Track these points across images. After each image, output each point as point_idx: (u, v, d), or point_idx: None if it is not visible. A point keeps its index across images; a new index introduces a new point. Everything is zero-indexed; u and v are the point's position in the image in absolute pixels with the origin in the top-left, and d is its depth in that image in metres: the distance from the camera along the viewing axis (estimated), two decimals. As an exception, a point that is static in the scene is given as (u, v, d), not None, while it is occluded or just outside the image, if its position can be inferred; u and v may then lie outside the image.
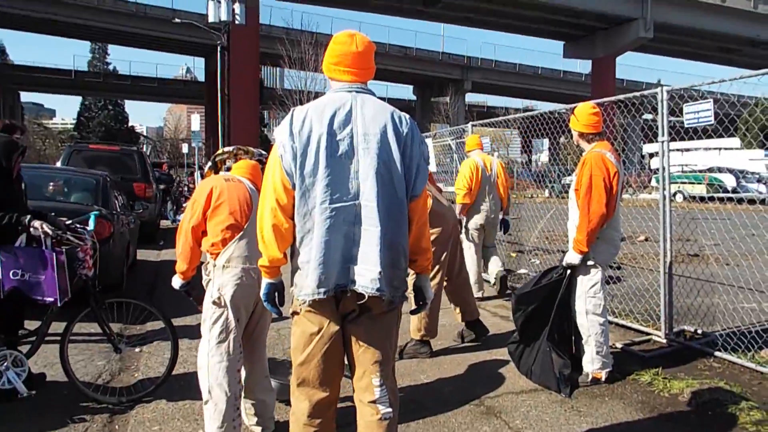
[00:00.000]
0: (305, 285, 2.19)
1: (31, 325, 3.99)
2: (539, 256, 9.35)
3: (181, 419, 3.55)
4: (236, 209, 3.10)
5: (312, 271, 2.16)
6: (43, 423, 3.45)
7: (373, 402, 2.28)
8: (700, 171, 24.93)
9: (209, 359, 3.07)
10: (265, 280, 2.33)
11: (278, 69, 38.24)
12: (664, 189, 4.94)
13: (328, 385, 2.32)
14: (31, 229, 3.63)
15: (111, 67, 62.31)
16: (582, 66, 53.57)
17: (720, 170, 24.85)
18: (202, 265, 3.23)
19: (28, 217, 3.65)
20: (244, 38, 29.23)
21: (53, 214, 4.02)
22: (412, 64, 48.77)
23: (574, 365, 4.09)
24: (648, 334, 5.18)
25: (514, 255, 9.65)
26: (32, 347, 3.73)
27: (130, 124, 68.36)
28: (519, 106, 59.62)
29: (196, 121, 31.01)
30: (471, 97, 59.48)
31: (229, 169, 3.49)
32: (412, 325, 4.79)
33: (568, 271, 4.04)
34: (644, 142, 22.06)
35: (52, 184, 7.29)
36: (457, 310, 5.21)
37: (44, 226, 3.62)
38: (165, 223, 15.60)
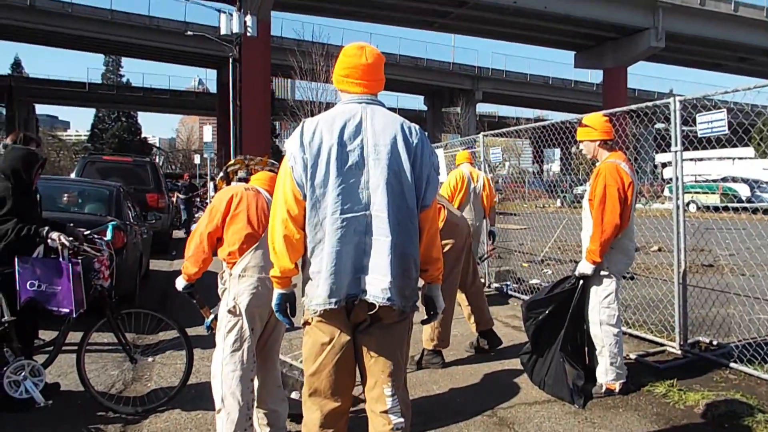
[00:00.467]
0: (316, 295, 2.21)
1: (46, 335, 4.03)
2: (551, 266, 9.31)
3: (194, 429, 3.56)
4: (254, 218, 3.13)
5: (323, 281, 2.18)
6: (58, 432, 3.47)
7: (385, 412, 2.28)
8: (714, 181, 24.74)
9: (223, 368, 3.09)
10: (277, 291, 2.34)
11: (289, 80, 38.51)
12: (677, 199, 4.91)
13: (339, 395, 2.32)
14: (49, 241, 3.66)
15: (124, 80, 63.18)
16: (593, 76, 53.53)
17: (734, 180, 24.64)
18: (218, 275, 3.26)
19: (46, 228, 3.69)
20: (255, 50, 29.51)
21: (71, 224, 4.06)
22: (422, 75, 48.90)
23: (588, 376, 4.07)
24: (662, 345, 5.13)
25: (526, 265, 9.62)
26: (49, 357, 3.76)
27: (142, 135, 69.04)
28: (530, 115, 59.59)
29: (209, 132, 31.16)
30: (482, 107, 59.52)
31: (241, 179, 3.52)
32: (424, 335, 4.79)
33: (581, 282, 4.02)
34: (657, 152, 21.98)
35: (66, 195, 7.37)
36: (472, 319, 5.21)
37: (62, 237, 3.66)
38: (177, 234, 15.70)
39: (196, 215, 17.60)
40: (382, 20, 42.09)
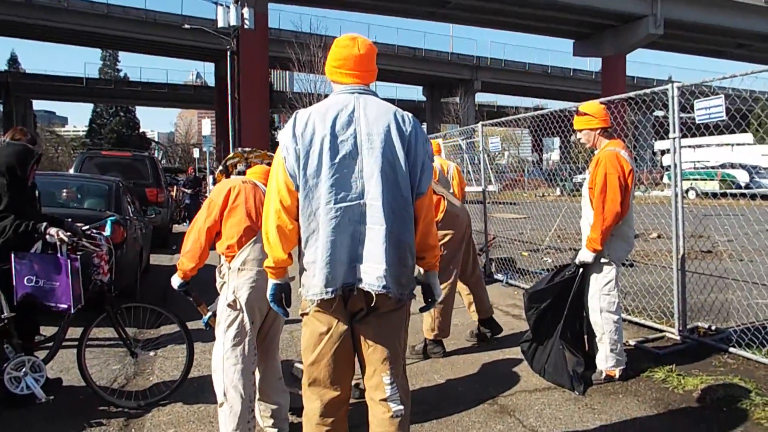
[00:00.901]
0: (312, 285, 2.22)
1: (46, 330, 4.04)
2: (551, 255, 9.32)
3: (197, 422, 3.58)
4: (252, 211, 3.13)
5: (319, 271, 2.19)
6: (60, 427, 3.49)
7: (384, 400, 2.29)
8: (713, 167, 24.74)
9: (224, 362, 3.10)
10: (272, 281, 2.36)
11: (288, 72, 38.40)
12: (676, 185, 4.91)
13: (339, 384, 2.33)
14: (47, 236, 3.66)
15: (122, 74, 62.83)
16: (592, 64, 53.34)
17: (732, 166, 24.64)
18: (216, 269, 3.26)
19: (44, 224, 3.69)
20: (253, 42, 29.40)
21: (70, 220, 4.06)
22: (421, 65, 48.76)
23: (588, 363, 4.09)
24: (661, 331, 5.15)
25: (525, 254, 9.64)
26: (50, 353, 3.78)
27: (141, 130, 68.96)
28: (529, 105, 59.37)
29: (207, 126, 31.17)
30: (481, 97, 59.41)
31: (240, 173, 3.52)
32: (425, 325, 4.81)
33: (581, 269, 4.04)
34: (655, 139, 21.93)
35: (65, 190, 7.36)
36: (472, 308, 5.23)
37: (60, 233, 3.65)
38: (178, 228, 15.71)
39: None
40: (380, 11, 41.90)
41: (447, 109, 48.29)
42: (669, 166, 5.02)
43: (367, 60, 2.37)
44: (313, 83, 29.63)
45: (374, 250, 2.18)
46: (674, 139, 4.82)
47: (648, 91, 5.28)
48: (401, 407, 2.30)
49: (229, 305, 3.10)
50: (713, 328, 5.04)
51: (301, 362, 3.91)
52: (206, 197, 4.21)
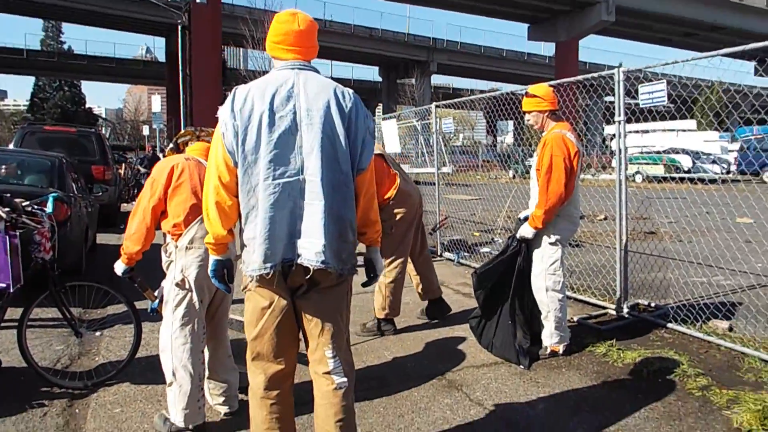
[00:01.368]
0: (252, 261, 2.22)
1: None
2: (501, 235, 9.51)
3: (144, 401, 3.54)
4: (198, 189, 3.06)
5: (258, 246, 2.20)
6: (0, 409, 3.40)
7: (328, 373, 2.33)
8: (658, 152, 25.56)
9: (173, 341, 3.07)
10: (212, 257, 2.36)
11: (242, 49, 37.61)
12: (620, 169, 5.05)
13: (282, 357, 2.35)
14: (-16, 212, 3.53)
15: (66, 47, 60.31)
16: (546, 48, 54.17)
17: (677, 152, 25.51)
18: (161, 247, 3.21)
19: (-19, 199, 3.55)
20: (205, 17, 28.60)
21: (9, 195, 3.91)
22: (377, 46, 48.52)
23: (533, 339, 4.22)
24: (604, 308, 5.35)
25: (477, 234, 9.80)
26: (-12, 332, 3.67)
27: (87, 105, 66.50)
28: (484, 87, 59.96)
29: (157, 103, 30.36)
30: (437, 79, 59.62)
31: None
32: (376, 304, 4.86)
33: (523, 245, 4.14)
34: (605, 124, 22.47)
35: (4, 166, 7.07)
36: (420, 288, 5.29)
37: (-3, 208, 3.53)
38: (126, 207, 15.33)
39: None
40: (335, -12, 41.39)
41: (403, 90, 48.24)
42: (623, 149, 5.16)
43: (308, 36, 2.36)
44: (267, 61, 29.07)
45: (313, 225, 2.19)
46: (619, 122, 4.96)
47: (596, 75, 5.40)
48: (344, 379, 2.33)
49: (177, 284, 3.05)
50: (652, 305, 5.25)
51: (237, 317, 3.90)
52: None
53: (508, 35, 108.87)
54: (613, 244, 5.54)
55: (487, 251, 8.32)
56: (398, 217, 4.84)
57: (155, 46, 72.86)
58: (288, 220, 2.20)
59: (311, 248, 2.19)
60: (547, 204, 3.95)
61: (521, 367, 4.01)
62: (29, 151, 8.93)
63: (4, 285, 3.52)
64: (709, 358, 4.15)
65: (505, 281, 4.15)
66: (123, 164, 19.59)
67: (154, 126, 28.78)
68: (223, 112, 2.25)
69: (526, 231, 4.07)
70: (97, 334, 4.67)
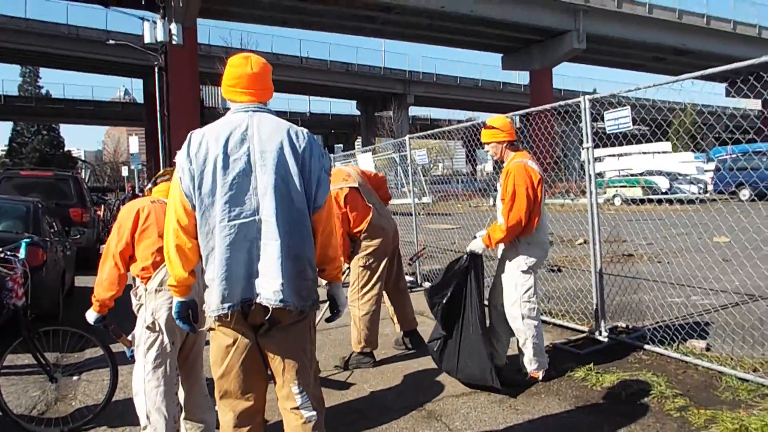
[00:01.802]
0: (211, 301, 2.26)
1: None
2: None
3: (121, 445, 3.49)
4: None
5: (215, 287, 2.23)
6: (-27, 459, 3.34)
7: (296, 408, 2.34)
8: (633, 175, 25.93)
9: (146, 384, 3.05)
10: (176, 299, 2.39)
11: (219, 88, 37.79)
12: (591, 193, 5.13)
13: (250, 394, 2.36)
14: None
15: (44, 91, 60.20)
16: (521, 77, 55.06)
17: (653, 174, 25.89)
18: (131, 290, 3.21)
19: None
20: (182, 58, 28.75)
21: (-21, 243, 3.90)
22: (354, 80, 49.11)
23: (498, 356, 4.22)
24: (583, 332, 5.38)
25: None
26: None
27: (66, 148, 66.22)
28: (462, 117, 60.60)
29: (135, 144, 30.30)
30: (414, 111, 60.25)
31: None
32: (353, 338, 4.85)
33: (475, 262, 4.16)
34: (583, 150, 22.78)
35: (-21, 213, 7.03)
36: (395, 319, 5.28)
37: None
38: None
39: None
40: (310, 26, 41.91)
41: (381, 122, 48.73)
42: (598, 174, 5.25)
43: (261, 78, 2.41)
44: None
45: (270, 265, 2.22)
46: (587, 149, 5.07)
47: (563, 103, 5.53)
48: (313, 413, 2.34)
49: (147, 327, 3.05)
50: (630, 327, 5.30)
51: None
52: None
53: (484, 65, 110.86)
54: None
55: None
56: (370, 250, 4.87)
57: (133, 87, 73.05)
58: (245, 260, 2.23)
59: (269, 287, 2.22)
60: (507, 225, 4.01)
61: (495, 386, 3.94)
62: (3, 197, 8.86)
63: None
64: (686, 378, 4.18)
65: (458, 298, 4.13)
66: (102, 206, 19.50)
67: (132, 167, 28.70)
68: (180, 157, 2.29)
69: (477, 246, 4.13)
70: (74, 378, 4.62)
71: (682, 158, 29.50)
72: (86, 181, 19.48)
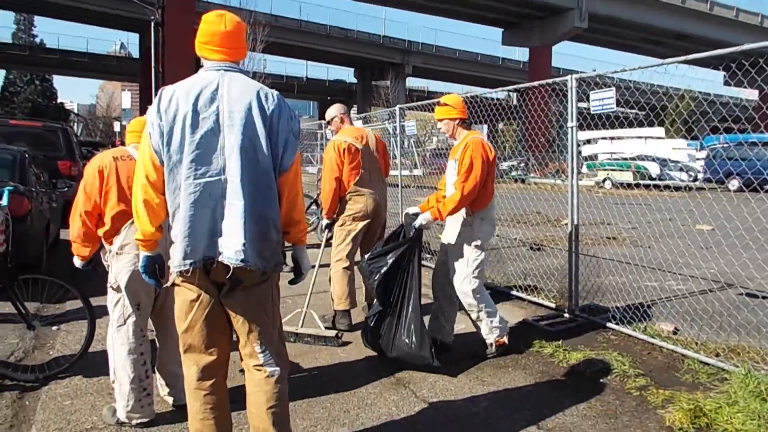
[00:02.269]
0: (174, 257, 2.30)
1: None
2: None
3: (95, 393, 3.58)
4: (126, 194, 3.07)
5: (179, 243, 2.27)
6: (-52, 401, 3.41)
7: (259, 365, 2.42)
8: (625, 159, 25.98)
9: (113, 341, 3.16)
10: (143, 254, 2.42)
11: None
12: (572, 173, 5.19)
13: (214, 348, 2.43)
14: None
15: (38, 40, 59.18)
16: (521, 54, 54.71)
17: (646, 158, 25.94)
18: (100, 250, 3.26)
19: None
20: (179, 14, 28.38)
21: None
22: (353, 47, 48.58)
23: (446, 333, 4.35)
24: (556, 309, 5.49)
25: (441, 237, 9.89)
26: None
27: (59, 100, 65.22)
28: (459, 91, 60.28)
29: (127, 99, 30.01)
30: (412, 82, 59.84)
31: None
32: (333, 296, 5.01)
33: (415, 242, 4.15)
34: (580, 130, 22.77)
35: (-36, 160, 6.99)
36: (363, 288, 5.29)
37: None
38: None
39: None
40: (312, -12, 41.29)
41: (378, 92, 48.38)
42: (589, 156, 5.28)
43: (235, 37, 2.42)
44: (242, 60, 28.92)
45: (233, 225, 2.26)
46: (571, 128, 5.12)
47: (551, 81, 5.56)
48: (276, 368, 2.42)
49: (111, 287, 3.13)
50: (602, 307, 5.41)
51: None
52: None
53: (484, 39, 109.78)
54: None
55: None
56: (351, 212, 5.03)
57: (129, 42, 71.83)
58: (209, 218, 2.27)
59: (231, 247, 2.26)
60: (461, 200, 4.06)
61: (435, 364, 3.89)
62: (-10, 145, 8.79)
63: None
64: (650, 359, 4.31)
65: (401, 271, 4.06)
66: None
67: (124, 122, 28.41)
68: (150, 112, 2.31)
69: (426, 219, 4.12)
70: (54, 328, 4.69)
71: (674, 144, 29.52)
72: (78, 134, 19.24)
